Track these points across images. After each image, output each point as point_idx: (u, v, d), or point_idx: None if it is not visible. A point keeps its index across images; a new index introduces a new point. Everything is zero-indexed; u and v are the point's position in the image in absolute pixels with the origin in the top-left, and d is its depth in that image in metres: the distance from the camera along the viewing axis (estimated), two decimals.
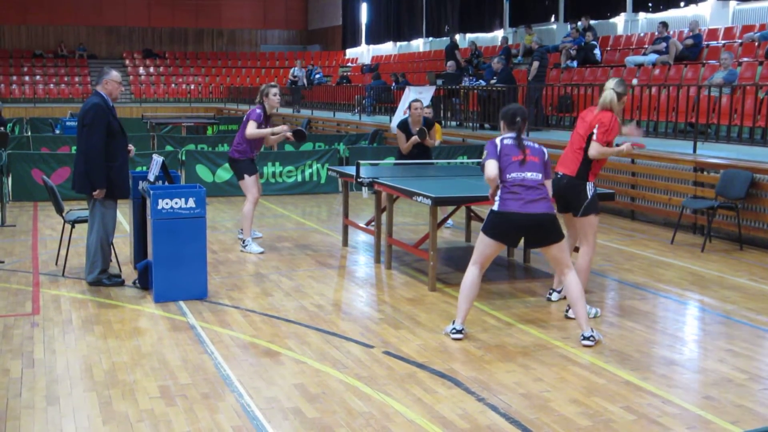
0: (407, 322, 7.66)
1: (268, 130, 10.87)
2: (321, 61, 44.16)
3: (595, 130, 7.68)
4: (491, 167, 7.03)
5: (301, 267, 9.95)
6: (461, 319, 7.20)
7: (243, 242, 10.89)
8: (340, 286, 9.22)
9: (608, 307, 8.41)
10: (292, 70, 35.63)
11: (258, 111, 10.85)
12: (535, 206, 6.90)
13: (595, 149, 7.68)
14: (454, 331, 7.19)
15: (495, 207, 7.02)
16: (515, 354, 6.77)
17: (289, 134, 11.01)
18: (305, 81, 33.72)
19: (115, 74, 8.74)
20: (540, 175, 7.00)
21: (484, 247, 7.14)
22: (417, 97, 20.83)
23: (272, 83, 11.25)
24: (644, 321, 7.77)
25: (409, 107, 12.20)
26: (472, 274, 7.16)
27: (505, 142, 7.09)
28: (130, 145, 8.98)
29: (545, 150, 7.18)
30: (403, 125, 11.95)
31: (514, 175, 6.95)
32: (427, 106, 18.49)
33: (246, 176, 10.88)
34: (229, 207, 14.56)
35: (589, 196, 7.81)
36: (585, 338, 7.05)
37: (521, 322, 7.66)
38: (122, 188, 8.74)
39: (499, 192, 7.00)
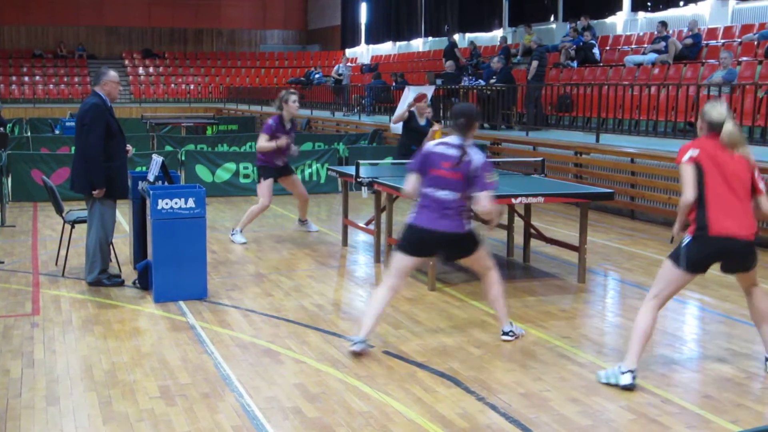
0: (407, 321, 7.67)
1: (282, 141, 11.10)
2: (320, 61, 44.17)
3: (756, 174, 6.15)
4: (409, 183, 6.80)
5: (300, 267, 9.95)
6: (364, 332, 6.71)
7: (232, 230, 11.56)
8: (340, 286, 9.22)
9: (608, 306, 8.41)
10: (336, 68, 31.61)
11: (270, 123, 11.14)
12: (442, 223, 6.58)
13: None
14: (352, 343, 6.73)
15: (408, 219, 6.80)
16: (515, 353, 6.78)
17: (295, 153, 11.59)
18: (349, 80, 30.92)
19: (113, 74, 8.74)
20: (456, 195, 6.53)
21: (397, 260, 6.83)
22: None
23: (292, 90, 11.64)
24: None
25: (416, 99, 12.29)
26: (382, 287, 6.85)
27: (436, 149, 6.64)
28: (128, 145, 8.99)
29: (481, 162, 6.52)
30: (410, 114, 12.04)
31: (428, 190, 6.63)
32: (427, 106, 18.53)
33: (261, 180, 11.39)
34: (228, 207, 14.57)
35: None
36: (504, 333, 7.04)
37: (521, 321, 7.66)
38: (121, 188, 8.74)
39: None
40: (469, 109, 6.79)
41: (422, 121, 12.07)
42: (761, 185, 6.09)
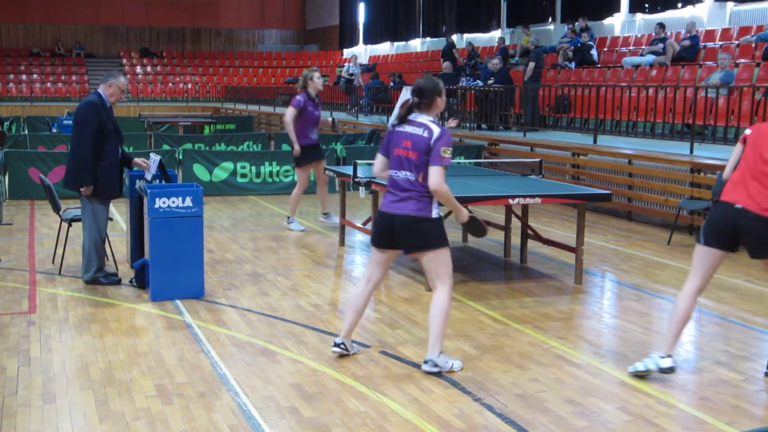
0: (404, 321, 7.66)
1: (297, 149, 11.90)
2: (318, 60, 44.15)
3: None
4: (376, 164, 6.49)
5: (297, 266, 9.95)
6: (344, 332, 6.63)
7: (288, 219, 12.37)
8: (337, 286, 9.22)
9: (605, 307, 8.42)
10: (346, 67, 29.81)
11: (299, 98, 11.90)
12: (400, 206, 6.19)
13: None
14: (334, 344, 6.63)
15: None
16: (511, 354, 6.78)
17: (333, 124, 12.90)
18: (360, 80, 29.41)
19: (123, 81, 8.70)
20: (411, 176, 6.14)
21: (371, 254, 6.58)
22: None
23: (314, 67, 12.52)
24: (640, 322, 7.78)
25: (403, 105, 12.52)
26: (359, 286, 6.67)
27: (397, 129, 6.29)
28: (144, 160, 8.93)
29: (439, 134, 6.07)
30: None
31: (391, 172, 6.29)
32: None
33: (301, 165, 12.17)
34: (225, 206, 14.56)
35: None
36: (425, 362, 6.31)
37: (517, 322, 7.67)
38: (110, 189, 8.69)
39: None
40: (426, 84, 6.24)
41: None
42: None
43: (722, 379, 6.26)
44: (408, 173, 6.16)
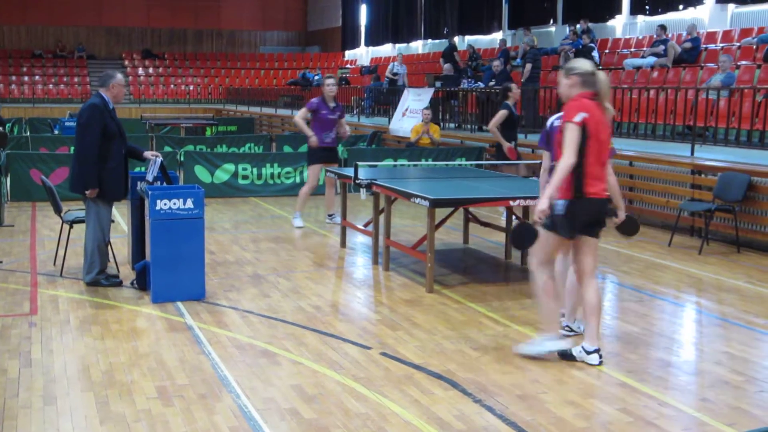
0: (404, 323, 7.67)
1: (313, 141, 12.34)
2: (320, 62, 44.17)
3: None
4: (545, 160, 7.54)
5: (298, 268, 9.96)
6: (567, 315, 7.28)
7: (295, 213, 12.71)
8: (338, 288, 9.23)
9: (605, 308, 8.41)
10: (390, 66, 28.04)
11: (313, 100, 12.55)
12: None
13: None
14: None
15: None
16: (512, 355, 6.78)
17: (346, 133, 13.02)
18: (406, 80, 27.52)
19: (120, 77, 8.76)
20: None
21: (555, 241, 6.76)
22: (416, 98, 20.94)
23: (328, 74, 12.97)
24: (641, 323, 7.78)
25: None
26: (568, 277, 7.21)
27: (554, 124, 7.23)
28: (154, 155, 8.97)
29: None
30: None
31: (555, 163, 6.80)
32: (426, 108, 18.59)
33: (311, 162, 12.69)
34: (227, 208, 14.57)
35: None
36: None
37: (518, 323, 7.68)
38: (115, 190, 8.72)
39: None
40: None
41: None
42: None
43: (723, 380, 6.26)
44: None
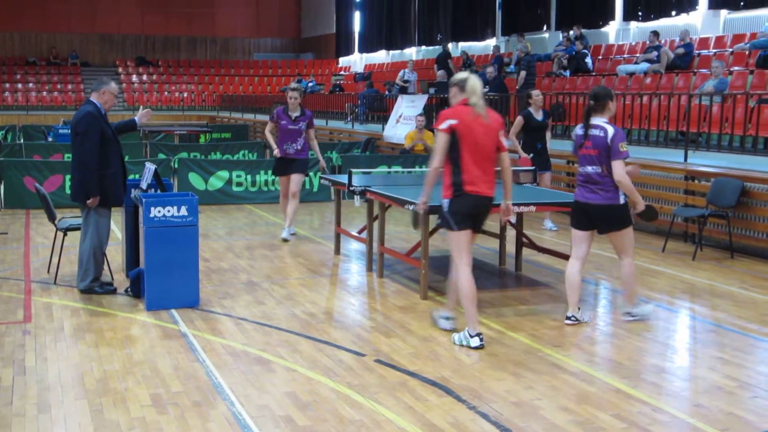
0: (399, 330, 7.67)
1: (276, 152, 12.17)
2: (314, 69, 44.19)
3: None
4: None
5: (293, 275, 9.96)
6: (571, 306, 7.96)
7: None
8: (332, 295, 9.23)
9: (599, 315, 8.43)
10: (401, 73, 27.25)
11: (277, 109, 12.33)
12: (593, 196, 7.71)
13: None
14: (566, 318, 7.90)
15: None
16: (506, 362, 6.79)
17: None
18: (416, 87, 26.51)
19: (114, 86, 8.77)
20: (598, 169, 7.64)
21: (574, 235, 8.09)
22: (410, 105, 20.98)
23: (293, 85, 12.97)
24: (635, 329, 7.79)
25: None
26: (571, 265, 8.00)
27: (579, 133, 7.78)
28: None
29: (612, 132, 7.54)
30: None
31: (581, 168, 7.79)
32: (420, 114, 18.62)
33: (274, 174, 12.77)
34: (221, 215, 14.57)
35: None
36: (624, 314, 7.95)
37: (512, 330, 7.69)
38: (116, 196, 8.75)
39: None
40: (603, 91, 7.76)
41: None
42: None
43: (716, 386, 6.28)
44: (597, 167, 7.54)
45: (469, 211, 7.14)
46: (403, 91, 25.63)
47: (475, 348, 7.06)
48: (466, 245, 7.25)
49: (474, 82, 7.09)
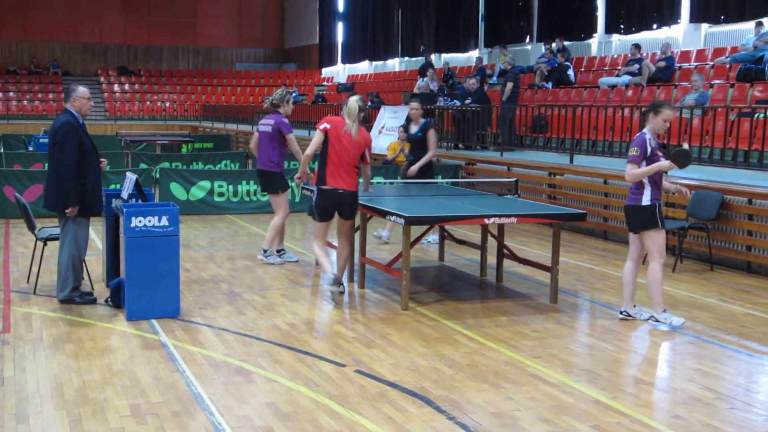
0: (379, 341, 7.68)
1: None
2: (297, 79, 44.23)
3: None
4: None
5: (274, 286, 9.95)
6: (625, 302, 8.60)
7: (265, 252, 11.23)
8: (313, 305, 9.22)
9: (579, 326, 8.46)
10: (421, 81, 25.19)
11: (286, 121, 11.34)
12: (627, 198, 8.47)
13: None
14: (619, 312, 8.61)
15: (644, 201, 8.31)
16: (486, 373, 6.80)
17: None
18: (442, 99, 22.91)
19: (82, 90, 8.70)
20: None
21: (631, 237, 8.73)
22: (392, 116, 21.00)
23: (291, 90, 11.90)
24: (614, 340, 7.82)
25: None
26: (627, 265, 8.65)
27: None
28: (103, 159, 8.98)
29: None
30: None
31: None
32: (402, 126, 18.65)
33: (280, 191, 11.25)
34: (202, 225, 14.54)
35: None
36: (647, 319, 8.38)
37: (492, 341, 7.70)
38: (95, 205, 8.71)
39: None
40: (648, 105, 8.74)
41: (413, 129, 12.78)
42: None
43: (695, 398, 6.31)
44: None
45: (328, 204, 8.92)
46: (430, 99, 23.95)
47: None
48: (323, 230, 9.25)
49: (352, 105, 8.83)
